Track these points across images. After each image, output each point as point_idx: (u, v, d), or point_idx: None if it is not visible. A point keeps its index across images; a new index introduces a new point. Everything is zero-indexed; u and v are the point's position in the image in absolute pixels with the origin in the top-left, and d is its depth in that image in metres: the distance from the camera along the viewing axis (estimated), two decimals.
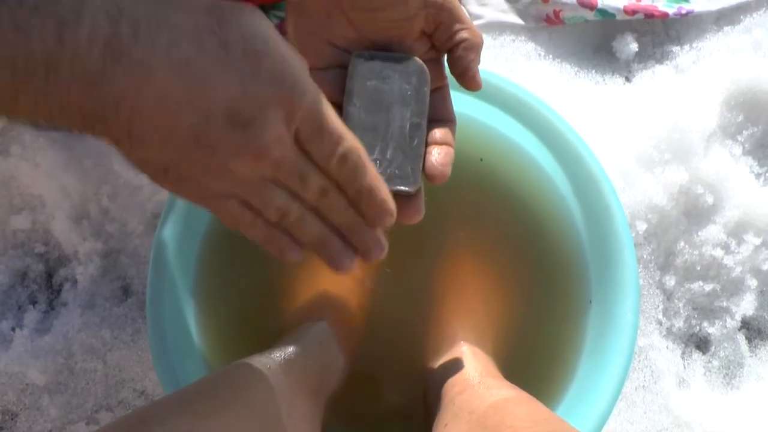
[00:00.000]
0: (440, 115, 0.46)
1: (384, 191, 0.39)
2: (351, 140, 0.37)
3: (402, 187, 0.44)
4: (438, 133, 0.45)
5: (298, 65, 0.34)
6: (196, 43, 0.32)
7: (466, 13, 0.45)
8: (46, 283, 0.71)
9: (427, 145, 0.45)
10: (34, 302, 0.70)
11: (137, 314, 0.69)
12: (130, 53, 0.30)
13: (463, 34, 0.44)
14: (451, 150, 0.45)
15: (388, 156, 0.44)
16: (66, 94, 0.30)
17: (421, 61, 0.45)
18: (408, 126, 0.44)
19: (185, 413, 0.38)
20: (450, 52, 0.45)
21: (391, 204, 0.39)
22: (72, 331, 0.68)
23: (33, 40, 0.28)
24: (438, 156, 0.45)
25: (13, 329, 0.68)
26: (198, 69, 0.32)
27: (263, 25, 0.34)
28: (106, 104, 0.31)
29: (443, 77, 0.47)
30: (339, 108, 0.45)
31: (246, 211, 0.36)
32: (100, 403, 0.68)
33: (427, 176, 0.45)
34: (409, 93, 0.45)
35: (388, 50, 0.45)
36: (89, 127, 0.32)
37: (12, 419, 0.67)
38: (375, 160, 0.44)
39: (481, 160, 0.61)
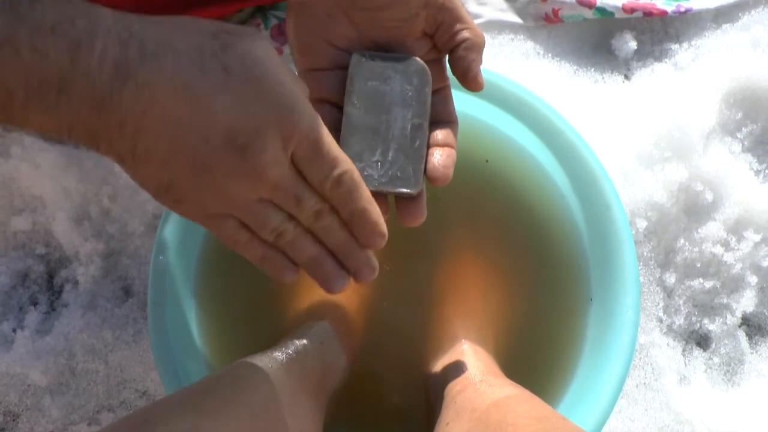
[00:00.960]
0: (442, 116, 0.46)
1: (376, 213, 0.40)
2: (346, 163, 0.38)
3: (403, 189, 0.44)
4: (440, 134, 0.45)
5: (296, 89, 0.35)
6: (198, 67, 0.32)
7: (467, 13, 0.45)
8: (47, 284, 0.71)
9: (428, 146, 0.45)
10: (35, 303, 0.70)
11: (138, 315, 0.69)
12: (136, 75, 0.31)
13: (465, 34, 0.44)
14: (453, 152, 0.45)
15: (389, 157, 0.44)
16: (75, 114, 0.31)
17: (422, 62, 0.44)
18: (409, 127, 0.44)
19: (187, 413, 0.38)
20: (451, 52, 0.44)
21: (383, 226, 0.40)
22: (73, 332, 0.68)
23: (48, 61, 0.29)
24: (440, 158, 0.44)
25: (14, 330, 0.68)
26: (199, 92, 0.32)
27: (265, 50, 0.34)
28: (112, 125, 0.32)
29: (445, 78, 0.46)
30: (339, 109, 0.45)
31: (242, 231, 0.37)
32: (101, 403, 0.68)
33: (429, 178, 0.44)
34: (410, 94, 0.44)
35: (389, 50, 0.44)
36: (94, 145, 0.33)
37: (14, 420, 0.67)
38: (376, 162, 0.44)
39: (487, 161, 0.61)
